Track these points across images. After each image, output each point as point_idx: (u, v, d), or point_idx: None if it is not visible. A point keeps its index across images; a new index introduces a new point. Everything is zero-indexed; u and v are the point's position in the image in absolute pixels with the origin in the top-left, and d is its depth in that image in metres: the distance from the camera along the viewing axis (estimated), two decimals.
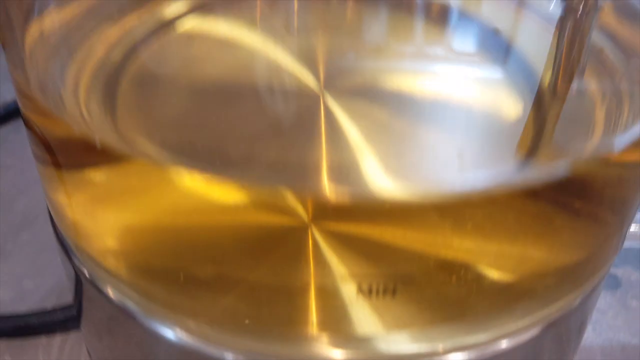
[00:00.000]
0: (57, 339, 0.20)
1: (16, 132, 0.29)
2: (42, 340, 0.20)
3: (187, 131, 0.13)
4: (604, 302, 0.22)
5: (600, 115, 0.14)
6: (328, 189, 0.12)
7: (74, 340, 0.20)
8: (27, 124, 0.14)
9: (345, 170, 0.12)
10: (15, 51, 0.14)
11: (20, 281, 0.22)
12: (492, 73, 0.16)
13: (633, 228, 0.18)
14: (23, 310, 0.21)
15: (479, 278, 0.12)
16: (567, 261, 0.13)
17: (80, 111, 0.13)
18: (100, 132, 0.13)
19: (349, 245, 0.11)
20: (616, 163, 0.13)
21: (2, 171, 0.27)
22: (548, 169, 0.12)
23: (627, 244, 0.18)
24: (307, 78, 0.14)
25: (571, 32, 0.13)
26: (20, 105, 0.14)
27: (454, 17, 0.17)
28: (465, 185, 0.12)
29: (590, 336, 0.21)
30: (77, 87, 0.14)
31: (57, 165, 0.14)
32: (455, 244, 0.12)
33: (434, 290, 0.12)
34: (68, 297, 0.20)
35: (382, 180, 0.12)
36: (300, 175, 0.12)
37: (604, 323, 0.22)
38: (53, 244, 0.24)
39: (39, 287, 0.22)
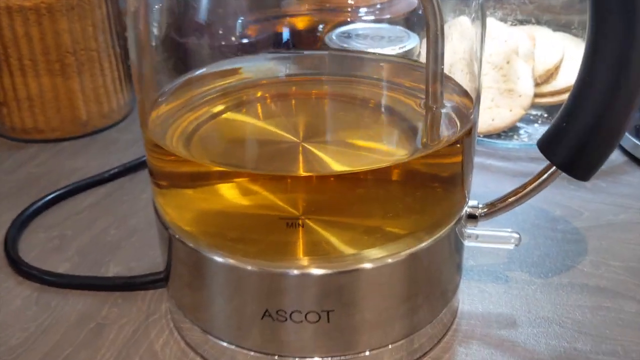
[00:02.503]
0: (149, 293, 0.34)
1: (129, 181, 0.45)
2: (140, 293, 0.34)
3: (228, 157, 0.28)
4: (494, 290, 0.34)
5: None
6: (301, 170, 0.26)
7: (159, 294, 0.34)
8: (148, 161, 0.29)
9: (312, 163, 0.26)
10: (145, 121, 0.29)
11: (129, 263, 0.37)
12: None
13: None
14: None
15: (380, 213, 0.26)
16: (423, 216, 0.27)
17: (174, 150, 0.28)
18: (183, 160, 0.27)
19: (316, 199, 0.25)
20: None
21: (121, 203, 0.42)
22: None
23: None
24: (294, 135, 0.28)
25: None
26: (145, 150, 0.29)
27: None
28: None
29: (479, 307, 0.33)
30: (171, 139, 0.28)
31: (161, 182, 0.28)
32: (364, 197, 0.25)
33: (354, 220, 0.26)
34: (156, 270, 0.34)
35: (321, 165, 0.26)
36: (290, 168, 0.26)
37: (490, 301, 0.33)
38: (149, 244, 0.39)
39: (139, 266, 0.36)
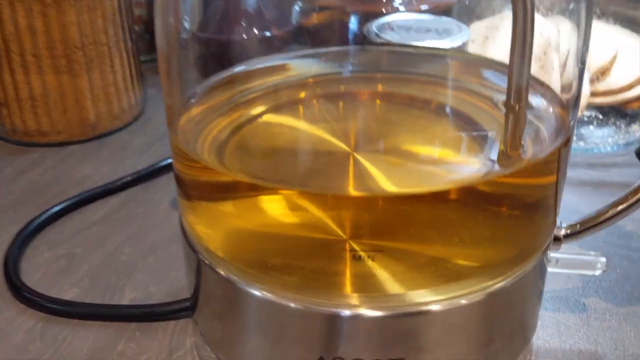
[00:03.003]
0: (171, 324, 0.30)
1: (144, 190, 0.40)
2: (161, 324, 0.30)
3: (266, 170, 0.23)
4: (571, 321, 0.29)
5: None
6: (352, 189, 0.21)
7: (183, 325, 0.29)
8: (176, 171, 0.25)
9: (362, 180, 0.22)
10: (174, 128, 0.24)
11: (147, 287, 0.32)
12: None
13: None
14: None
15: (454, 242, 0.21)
16: (505, 246, 0.22)
17: (205, 160, 0.23)
18: (216, 169, 0.23)
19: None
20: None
21: (135, 216, 0.38)
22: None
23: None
24: (345, 143, 0.24)
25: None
26: (173, 159, 0.25)
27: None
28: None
29: (556, 342, 0.28)
30: (202, 147, 0.24)
31: (190, 194, 0.24)
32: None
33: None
34: (178, 296, 0.30)
35: (375, 184, 0.21)
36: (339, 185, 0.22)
37: (569, 335, 0.28)
38: (170, 264, 0.34)
39: (159, 291, 0.32)
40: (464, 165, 0.24)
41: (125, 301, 0.31)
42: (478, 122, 0.26)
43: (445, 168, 0.24)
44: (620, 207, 0.26)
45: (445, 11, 0.40)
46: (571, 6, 0.24)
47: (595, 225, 0.26)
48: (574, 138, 0.46)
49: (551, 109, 0.25)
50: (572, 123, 0.24)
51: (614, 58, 0.47)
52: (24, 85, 0.44)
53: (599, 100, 0.47)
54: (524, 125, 0.24)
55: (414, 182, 0.23)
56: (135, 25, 0.49)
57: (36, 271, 0.33)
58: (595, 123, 0.46)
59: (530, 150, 0.24)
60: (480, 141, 0.25)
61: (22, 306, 0.31)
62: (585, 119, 0.47)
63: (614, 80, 0.47)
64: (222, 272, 0.23)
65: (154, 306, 0.30)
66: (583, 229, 0.26)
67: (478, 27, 0.39)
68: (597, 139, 0.46)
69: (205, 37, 0.24)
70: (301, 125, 0.26)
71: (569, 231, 0.26)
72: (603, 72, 0.47)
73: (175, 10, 0.23)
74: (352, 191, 0.22)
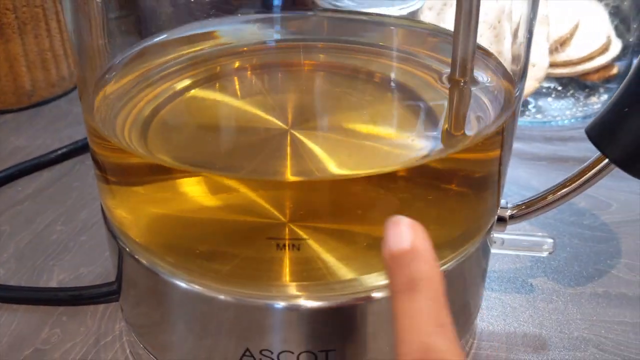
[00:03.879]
0: (100, 307, 0.28)
1: (81, 163, 0.38)
2: (90, 308, 0.28)
3: (194, 152, 0.21)
4: (517, 302, 0.28)
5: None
6: (289, 173, 0.19)
7: (113, 308, 0.28)
8: (92, 153, 0.23)
9: (303, 160, 0.20)
10: (88, 104, 0.22)
11: (78, 268, 0.30)
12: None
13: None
14: None
15: None
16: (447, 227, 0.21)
17: (125, 141, 0.21)
18: (137, 153, 0.21)
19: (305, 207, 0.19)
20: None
21: (70, 191, 0.35)
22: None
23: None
24: (281, 120, 0.22)
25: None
26: (88, 139, 0.22)
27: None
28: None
29: (501, 324, 0.27)
30: (123, 127, 0.22)
31: (109, 178, 0.22)
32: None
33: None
34: (109, 279, 0.28)
35: (314, 165, 0.20)
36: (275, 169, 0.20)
37: (514, 317, 0.28)
38: (103, 244, 0.32)
39: (91, 272, 0.30)
40: (406, 145, 0.22)
41: (53, 283, 0.29)
42: (423, 97, 0.24)
43: (387, 147, 0.22)
44: (566, 189, 0.25)
45: None
46: None
47: (542, 207, 0.25)
48: (532, 110, 0.45)
49: (498, 82, 0.23)
50: (517, 96, 0.22)
51: (575, 28, 0.46)
52: None
53: (558, 71, 0.45)
54: (468, 102, 0.22)
55: (355, 163, 0.21)
56: None
57: None
58: (553, 95, 0.45)
59: (475, 128, 0.22)
60: (424, 119, 0.24)
61: None
62: (544, 90, 0.46)
63: (574, 51, 0.46)
64: (144, 262, 0.21)
65: (82, 289, 0.28)
66: (529, 210, 0.25)
67: None
68: (555, 111, 0.45)
69: (119, 2, 0.22)
70: (232, 100, 0.24)
71: (514, 212, 0.25)
72: (563, 43, 0.46)
73: None
74: (289, 175, 0.20)
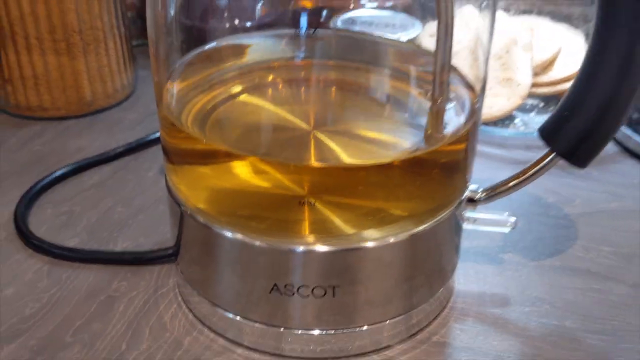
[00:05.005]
0: (156, 268, 0.35)
1: (134, 160, 0.46)
2: (148, 268, 0.35)
3: (242, 142, 0.29)
4: (488, 270, 0.35)
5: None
6: (313, 160, 0.27)
7: (167, 268, 0.35)
8: (162, 140, 0.30)
9: (323, 152, 0.27)
10: (161, 102, 0.30)
11: (137, 239, 0.38)
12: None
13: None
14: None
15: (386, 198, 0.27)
16: (426, 201, 0.28)
17: (189, 129, 0.29)
18: (199, 139, 0.28)
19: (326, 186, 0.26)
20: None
21: (126, 182, 0.43)
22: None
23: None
24: (306, 123, 0.29)
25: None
26: (160, 129, 0.30)
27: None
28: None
29: (474, 286, 0.34)
30: (187, 119, 0.29)
31: (174, 159, 0.29)
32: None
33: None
34: (164, 246, 0.36)
35: (331, 155, 0.27)
36: (302, 157, 0.28)
37: (485, 281, 0.35)
38: (156, 222, 0.40)
39: (147, 242, 0.37)
40: (399, 143, 0.30)
41: (118, 249, 0.37)
42: (413, 108, 0.32)
43: (385, 144, 0.30)
44: (523, 176, 0.32)
45: (406, 8, 0.46)
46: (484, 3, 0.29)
47: (505, 190, 0.32)
48: (518, 124, 0.52)
49: (466, 96, 0.30)
50: (478, 106, 0.30)
51: (558, 53, 0.53)
52: (28, 65, 0.49)
53: (541, 90, 0.53)
54: (444, 113, 0.30)
55: (360, 156, 0.29)
56: (128, 12, 0.54)
57: (42, 225, 0.39)
58: (536, 111, 0.52)
59: (450, 130, 0.30)
60: (412, 123, 0.31)
61: (31, 251, 0.36)
62: (528, 106, 0.53)
63: (556, 73, 0.53)
64: (200, 219, 0.29)
65: (142, 253, 0.36)
66: (494, 193, 0.32)
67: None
68: (538, 124, 0.51)
69: (186, 24, 0.30)
70: (270, 105, 0.32)
71: (484, 195, 0.32)
72: (546, 67, 0.53)
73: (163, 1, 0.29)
74: (313, 162, 0.28)
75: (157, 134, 0.47)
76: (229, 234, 0.28)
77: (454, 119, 0.30)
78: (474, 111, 0.30)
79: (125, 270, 0.35)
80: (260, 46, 0.34)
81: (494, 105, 0.51)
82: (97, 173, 0.44)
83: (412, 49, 0.38)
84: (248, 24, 0.33)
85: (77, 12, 0.48)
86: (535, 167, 0.31)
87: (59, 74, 0.49)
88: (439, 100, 0.29)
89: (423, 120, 0.30)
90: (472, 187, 0.32)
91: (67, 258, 0.36)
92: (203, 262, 0.30)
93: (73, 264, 0.35)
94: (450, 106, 0.30)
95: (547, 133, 0.31)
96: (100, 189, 0.42)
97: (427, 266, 0.30)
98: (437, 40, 0.27)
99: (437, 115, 0.29)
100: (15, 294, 0.33)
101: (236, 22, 0.33)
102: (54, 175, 0.43)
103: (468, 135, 0.29)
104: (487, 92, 0.51)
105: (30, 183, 0.42)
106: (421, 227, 0.28)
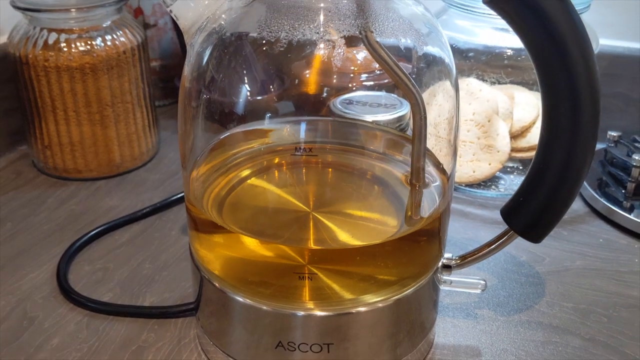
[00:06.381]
0: (179, 320, 0.41)
1: (159, 219, 0.52)
2: (172, 320, 0.41)
3: (251, 224, 0.35)
4: (464, 325, 0.41)
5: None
6: (312, 242, 0.33)
7: (189, 321, 0.41)
8: (188, 211, 0.37)
9: (321, 232, 0.34)
10: (187, 181, 0.36)
11: (162, 294, 0.44)
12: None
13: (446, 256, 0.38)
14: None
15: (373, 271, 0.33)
16: (408, 268, 0.34)
17: (209, 211, 0.35)
18: (215, 220, 0.35)
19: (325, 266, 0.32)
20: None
21: (152, 239, 0.49)
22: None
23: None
24: (306, 205, 0.36)
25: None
26: (185, 202, 0.36)
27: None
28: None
29: (451, 339, 0.40)
30: (207, 202, 0.36)
31: (198, 229, 0.36)
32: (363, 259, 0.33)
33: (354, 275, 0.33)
34: (186, 300, 0.42)
35: (328, 235, 0.33)
36: (303, 238, 0.34)
37: (460, 334, 0.40)
38: (179, 277, 0.46)
39: (172, 297, 0.43)
40: (387, 221, 0.36)
41: (146, 304, 0.43)
42: (397, 191, 0.38)
43: (375, 222, 0.36)
44: (488, 249, 0.38)
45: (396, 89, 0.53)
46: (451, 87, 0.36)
47: (475, 259, 0.38)
48: (501, 187, 0.58)
49: (440, 180, 0.37)
50: (449, 186, 0.36)
51: (536, 119, 0.59)
52: (65, 133, 0.56)
53: (520, 155, 0.59)
54: (421, 197, 0.36)
55: (351, 236, 0.35)
56: (153, 84, 0.61)
57: (80, 281, 0.45)
58: (515, 173, 0.59)
59: (427, 212, 0.36)
60: (395, 206, 0.37)
61: (71, 306, 0.42)
62: (508, 169, 0.59)
63: (533, 137, 0.59)
64: (217, 285, 0.35)
65: (167, 307, 0.42)
66: (466, 261, 0.38)
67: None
68: (515, 185, 0.58)
69: (209, 121, 0.37)
70: (274, 188, 0.38)
71: (456, 262, 0.38)
72: (525, 130, 0.59)
73: (196, 96, 0.35)
74: (312, 244, 0.34)
75: (179, 195, 0.54)
76: (240, 299, 0.34)
77: (429, 201, 0.36)
78: (446, 191, 0.36)
79: (152, 323, 0.41)
80: (265, 131, 0.40)
81: (477, 169, 0.57)
82: (127, 231, 0.51)
83: (399, 135, 0.44)
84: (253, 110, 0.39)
85: (110, 89, 0.55)
86: (497, 241, 0.37)
87: (93, 141, 0.56)
88: (417, 186, 0.35)
89: (404, 205, 0.36)
90: (447, 255, 0.38)
91: (103, 312, 0.42)
92: (219, 319, 0.36)
93: (108, 317, 0.42)
94: (427, 190, 0.36)
95: (506, 214, 0.37)
96: (130, 247, 0.49)
97: (409, 324, 0.36)
98: (413, 135, 0.34)
99: (414, 200, 0.35)
100: (60, 343, 0.40)
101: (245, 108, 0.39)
102: (90, 235, 0.49)
103: (441, 215, 0.35)
104: (471, 157, 0.58)
105: (69, 240, 0.48)
106: (404, 292, 0.34)
